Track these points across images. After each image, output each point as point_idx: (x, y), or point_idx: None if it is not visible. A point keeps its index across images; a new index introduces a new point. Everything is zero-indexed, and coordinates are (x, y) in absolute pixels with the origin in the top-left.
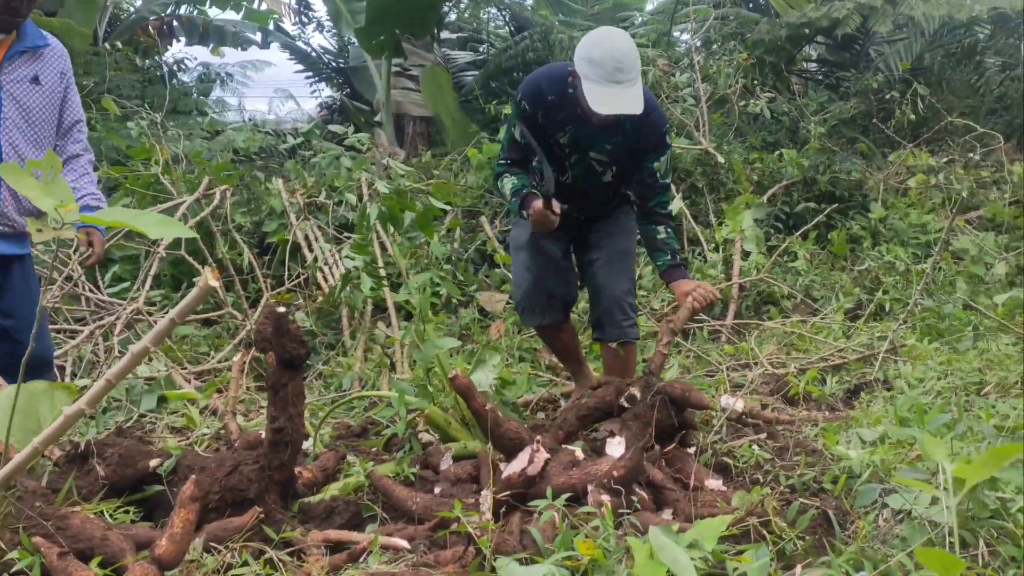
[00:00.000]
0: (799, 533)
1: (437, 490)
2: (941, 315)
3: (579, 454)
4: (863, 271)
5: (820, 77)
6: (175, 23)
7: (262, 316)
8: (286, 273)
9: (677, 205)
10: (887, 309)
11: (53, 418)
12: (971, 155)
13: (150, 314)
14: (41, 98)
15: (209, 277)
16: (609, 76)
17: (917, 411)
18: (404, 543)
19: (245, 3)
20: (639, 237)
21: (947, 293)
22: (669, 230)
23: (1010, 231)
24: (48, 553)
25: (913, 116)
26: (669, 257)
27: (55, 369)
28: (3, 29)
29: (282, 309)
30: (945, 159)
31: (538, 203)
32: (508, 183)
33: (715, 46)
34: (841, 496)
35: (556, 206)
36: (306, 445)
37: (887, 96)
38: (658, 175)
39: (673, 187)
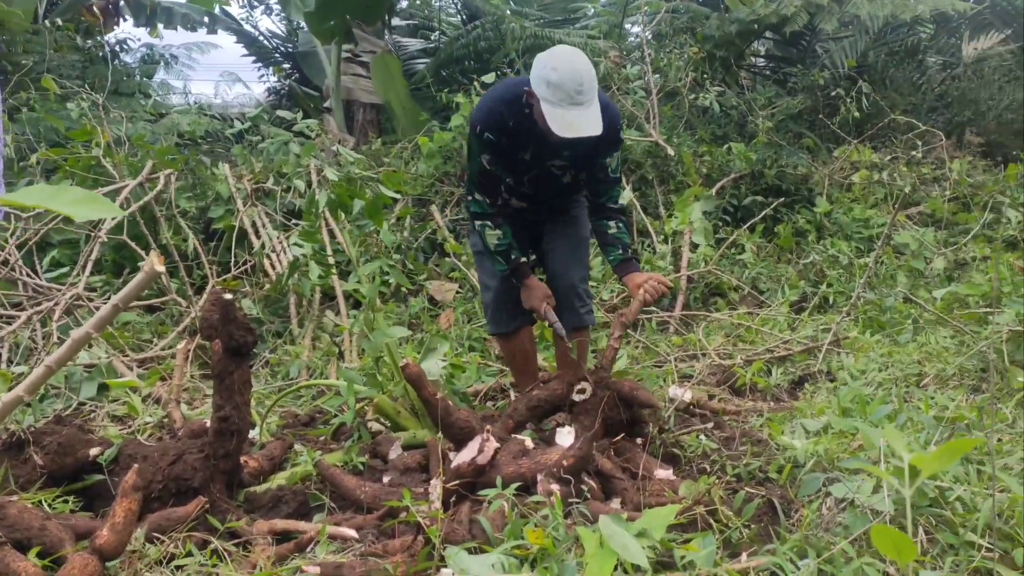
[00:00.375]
0: (745, 522)
1: (386, 479)
2: (883, 308)
3: (529, 443)
4: (808, 264)
5: (768, 72)
6: (121, 3)
7: (208, 303)
8: (232, 260)
9: (627, 196)
10: (831, 302)
11: None
12: (913, 152)
13: (90, 300)
14: None
15: (155, 262)
16: (569, 99)
17: (860, 402)
18: (352, 532)
19: None
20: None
21: (888, 287)
22: (620, 224)
23: (949, 227)
24: None
25: (858, 113)
26: (620, 251)
27: None
28: None
29: (229, 296)
30: (889, 156)
31: (548, 309)
32: (492, 237)
33: (666, 39)
34: (786, 485)
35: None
36: (252, 434)
37: (833, 92)
38: (609, 170)
39: (623, 179)
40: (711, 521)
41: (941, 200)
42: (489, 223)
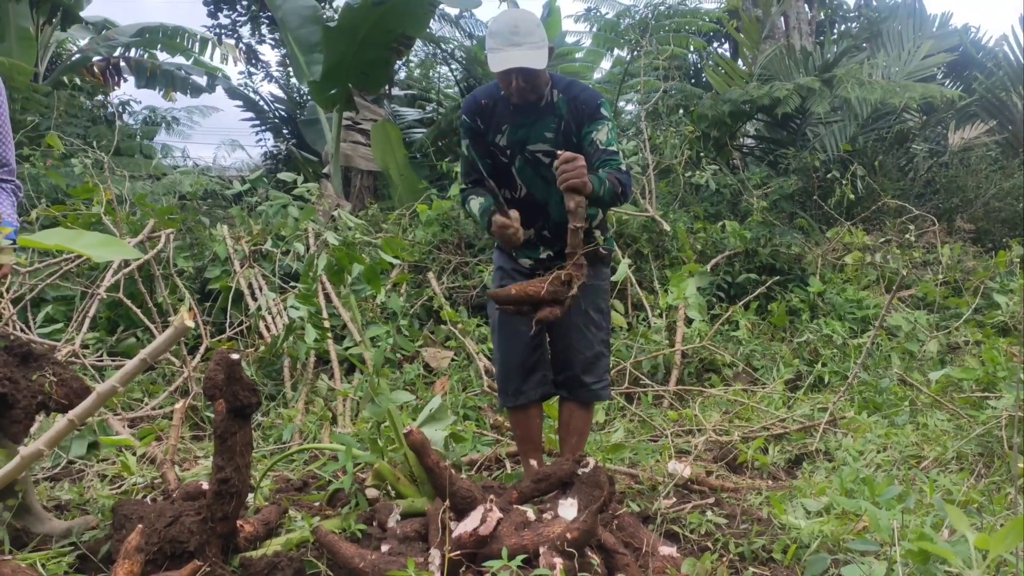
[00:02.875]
0: None
1: (385, 548)
2: (878, 389)
3: (531, 515)
4: (802, 343)
5: (758, 153)
6: (123, 64)
7: (213, 363)
8: (227, 320)
9: (623, 271)
10: (826, 381)
11: None
12: (907, 236)
13: (84, 356)
14: None
15: (185, 318)
16: (506, 40)
17: (866, 483)
18: None
19: (196, 53)
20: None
21: (883, 368)
22: (617, 174)
23: (940, 310)
24: None
25: (853, 195)
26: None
27: None
28: None
29: (235, 356)
30: (882, 239)
31: (496, 217)
32: (475, 204)
33: (661, 117)
34: (792, 565)
35: (514, 215)
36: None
37: (829, 175)
38: (599, 144)
39: (620, 160)
40: None
41: (933, 284)
42: (472, 193)
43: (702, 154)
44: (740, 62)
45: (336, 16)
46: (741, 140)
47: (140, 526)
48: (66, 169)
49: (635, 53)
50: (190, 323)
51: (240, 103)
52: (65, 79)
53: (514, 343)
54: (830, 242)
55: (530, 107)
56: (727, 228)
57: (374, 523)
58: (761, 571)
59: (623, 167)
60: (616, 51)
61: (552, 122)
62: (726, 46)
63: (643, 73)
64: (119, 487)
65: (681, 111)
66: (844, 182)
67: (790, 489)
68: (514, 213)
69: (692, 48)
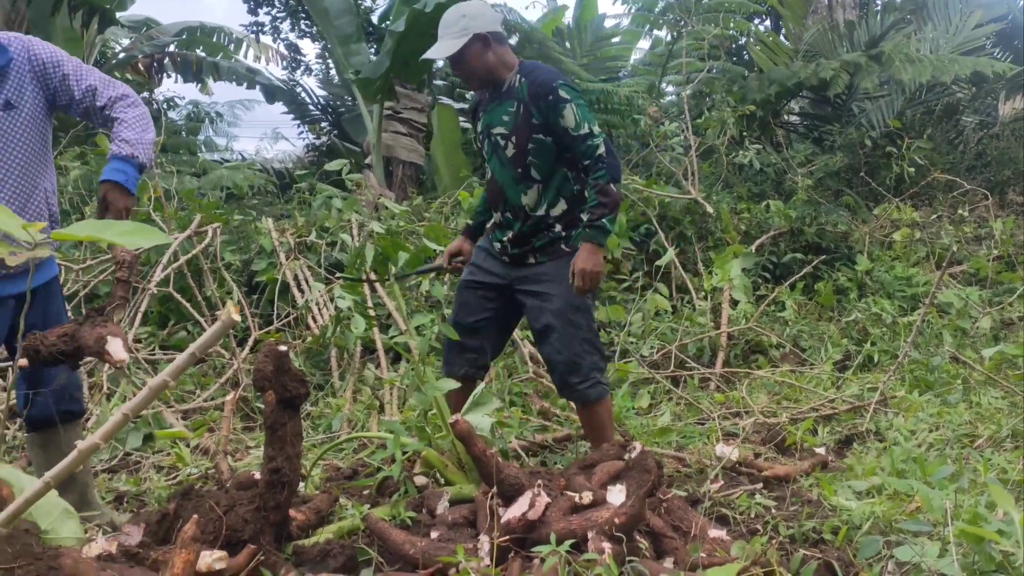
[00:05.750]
0: None
1: (434, 534)
2: (929, 367)
3: (579, 500)
4: (850, 322)
5: (802, 130)
6: (166, 60)
7: (262, 354)
8: (274, 312)
9: (668, 256)
10: (875, 360)
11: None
12: (960, 212)
13: (138, 350)
14: (18, 123)
15: (232, 311)
16: (438, 34)
17: (918, 463)
18: None
19: (232, 52)
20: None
21: (934, 346)
22: (592, 193)
23: (993, 286)
24: None
25: (912, 170)
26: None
27: (83, 403)
28: None
29: (283, 347)
30: (932, 215)
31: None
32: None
33: (704, 98)
34: (843, 547)
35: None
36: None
37: (884, 150)
38: (569, 130)
39: (595, 136)
40: None
41: (985, 259)
42: None
43: (745, 133)
44: (784, 37)
45: (373, 6)
46: (785, 117)
47: (196, 516)
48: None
49: (676, 33)
50: (236, 317)
51: (279, 99)
52: (113, 77)
53: (458, 316)
54: (878, 219)
55: (497, 92)
56: (771, 208)
57: (423, 510)
58: (812, 553)
59: (599, 148)
60: (655, 32)
61: (511, 106)
62: (767, 22)
63: (685, 54)
64: (174, 478)
65: (724, 91)
66: (899, 157)
67: (840, 470)
68: (466, 246)
69: (733, 26)
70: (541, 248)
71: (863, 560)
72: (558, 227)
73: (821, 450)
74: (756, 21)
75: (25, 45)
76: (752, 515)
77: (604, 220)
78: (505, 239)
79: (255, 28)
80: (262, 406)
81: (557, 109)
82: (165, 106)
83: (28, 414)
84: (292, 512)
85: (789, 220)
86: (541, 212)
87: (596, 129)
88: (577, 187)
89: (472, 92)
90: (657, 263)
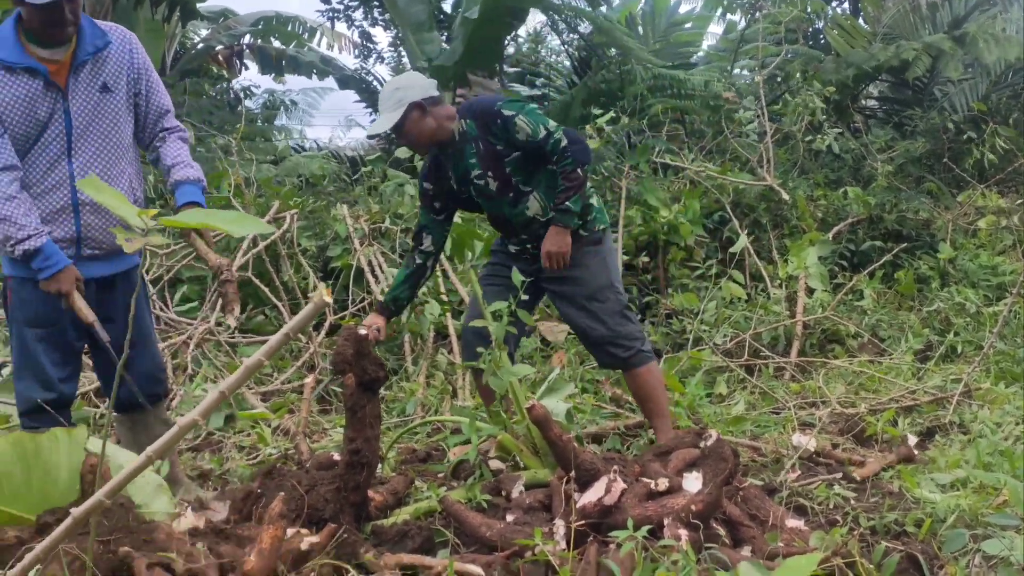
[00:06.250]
0: None
1: (510, 517)
2: (1016, 359)
3: (655, 487)
4: (932, 312)
5: (881, 115)
6: (245, 51)
7: (342, 338)
8: (349, 298)
9: (742, 243)
10: (958, 351)
11: (72, 464)
12: None
13: (219, 333)
14: (112, 107)
15: (324, 294)
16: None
17: (1005, 455)
18: (479, 570)
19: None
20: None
21: (1021, 336)
22: (562, 183)
23: None
24: (137, 564)
25: (993, 156)
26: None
27: (167, 384)
28: (60, 41)
29: (363, 331)
30: (1019, 201)
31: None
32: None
33: (781, 82)
34: (927, 540)
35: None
36: None
37: (965, 135)
38: (529, 139)
39: (554, 132)
40: (850, 574)
41: None
42: (409, 255)
43: (824, 119)
44: (862, 20)
45: None
46: (863, 102)
47: (282, 494)
48: (195, 155)
49: (751, 16)
50: (328, 298)
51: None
52: (193, 68)
53: (476, 302)
54: (961, 206)
55: (452, 145)
56: (849, 194)
57: (501, 494)
58: (894, 545)
59: (561, 141)
60: (729, 16)
61: (471, 148)
62: (845, 4)
63: (761, 38)
64: (255, 458)
65: (799, 75)
66: (984, 143)
67: (922, 463)
68: (379, 321)
69: (811, 8)
70: None
71: (948, 553)
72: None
73: (912, 441)
74: (833, 3)
75: (128, 38)
76: (831, 506)
77: (568, 203)
78: (529, 247)
79: (331, 14)
80: (337, 390)
81: (509, 128)
82: (243, 95)
83: (116, 396)
84: (370, 493)
85: (868, 207)
86: (551, 213)
87: (552, 125)
88: None
89: (422, 175)
90: (731, 250)
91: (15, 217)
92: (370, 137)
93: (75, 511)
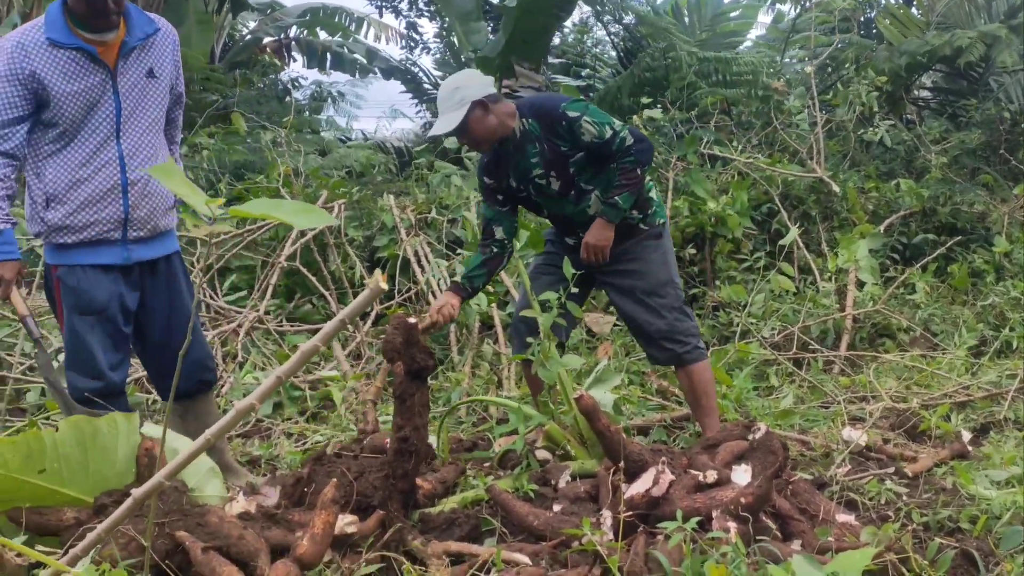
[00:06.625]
0: (942, 573)
1: (557, 507)
2: None
3: (703, 479)
4: (987, 306)
5: (935, 106)
6: (293, 44)
7: (391, 326)
8: (395, 288)
9: (792, 235)
10: (1014, 346)
11: (128, 447)
12: None
13: (267, 322)
14: (157, 91)
15: (380, 280)
16: (438, 110)
17: None
18: (525, 559)
19: (353, 32)
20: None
21: None
22: (618, 175)
23: None
24: (193, 548)
25: None
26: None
27: (216, 372)
28: (105, 28)
29: (412, 320)
30: None
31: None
32: (463, 265)
33: (832, 72)
34: (982, 536)
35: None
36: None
37: (1021, 126)
38: (595, 140)
39: (620, 132)
40: (903, 570)
41: None
42: (478, 250)
43: (875, 110)
44: (915, 10)
45: None
46: (916, 93)
47: (334, 480)
48: (244, 145)
49: (802, 5)
50: (384, 285)
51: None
52: (242, 59)
53: (525, 293)
54: (1018, 199)
55: (514, 143)
56: (902, 187)
57: (549, 484)
58: (948, 542)
59: (627, 140)
60: (777, 5)
61: (533, 147)
62: None
63: (812, 28)
64: (302, 445)
65: (851, 65)
66: None
67: (977, 458)
68: (455, 300)
69: None
70: (622, 235)
71: (1005, 551)
72: (634, 213)
73: (966, 437)
74: None
75: (171, 30)
76: (882, 501)
77: (618, 198)
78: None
79: (379, 4)
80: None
81: (575, 130)
82: (291, 86)
83: (166, 385)
84: (419, 481)
85: (921, 200)
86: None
87: (617, 124)
88: None
89: (481, 168)
90: (780, 243)
91: None
92: (431, 139)
93: (135, 492)
